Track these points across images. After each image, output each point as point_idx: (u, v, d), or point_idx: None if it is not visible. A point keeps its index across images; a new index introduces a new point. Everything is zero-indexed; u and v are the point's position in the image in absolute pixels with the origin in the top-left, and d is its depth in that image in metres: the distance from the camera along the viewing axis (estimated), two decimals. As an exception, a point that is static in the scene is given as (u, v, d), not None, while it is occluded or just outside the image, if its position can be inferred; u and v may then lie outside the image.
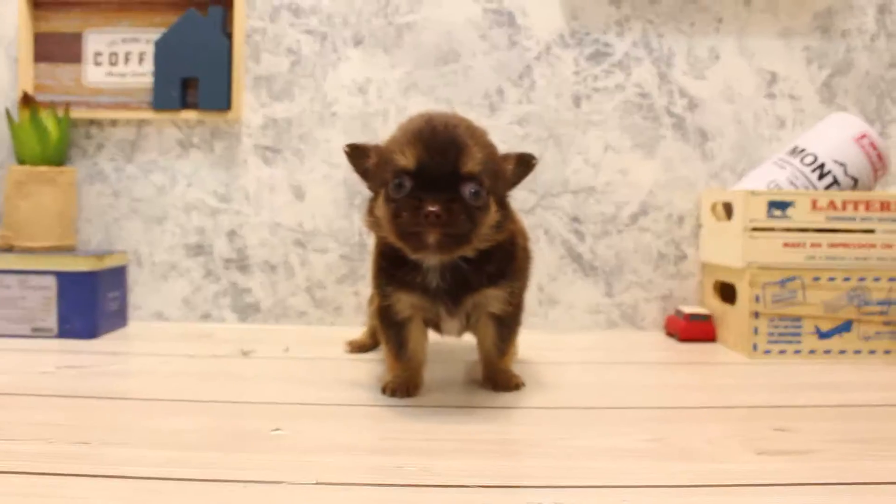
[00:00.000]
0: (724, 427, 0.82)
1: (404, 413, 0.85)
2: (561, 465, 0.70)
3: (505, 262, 0.90)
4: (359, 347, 1.17)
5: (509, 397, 0.93)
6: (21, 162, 1.29)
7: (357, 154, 0.88)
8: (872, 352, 1.19)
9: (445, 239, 0.79)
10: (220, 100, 1.33)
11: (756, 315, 1.18)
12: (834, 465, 0.71)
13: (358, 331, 1.23)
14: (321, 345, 1.22)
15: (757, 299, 1.18)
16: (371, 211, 0.87)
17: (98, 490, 0.61)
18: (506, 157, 0.87)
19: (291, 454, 0.71)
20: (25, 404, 0.86)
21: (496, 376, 0.96)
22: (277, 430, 0.77)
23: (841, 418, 0.87)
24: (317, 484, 0.63)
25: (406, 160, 0.79)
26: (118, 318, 1.32)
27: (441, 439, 0.76)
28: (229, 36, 1.33)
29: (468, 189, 0.80)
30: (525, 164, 0.88)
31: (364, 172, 0.89)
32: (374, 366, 1.09)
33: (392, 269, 0.89)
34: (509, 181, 0.88)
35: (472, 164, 0.80)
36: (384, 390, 0.92)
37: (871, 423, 0.85)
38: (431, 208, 0.77)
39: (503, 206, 0.86)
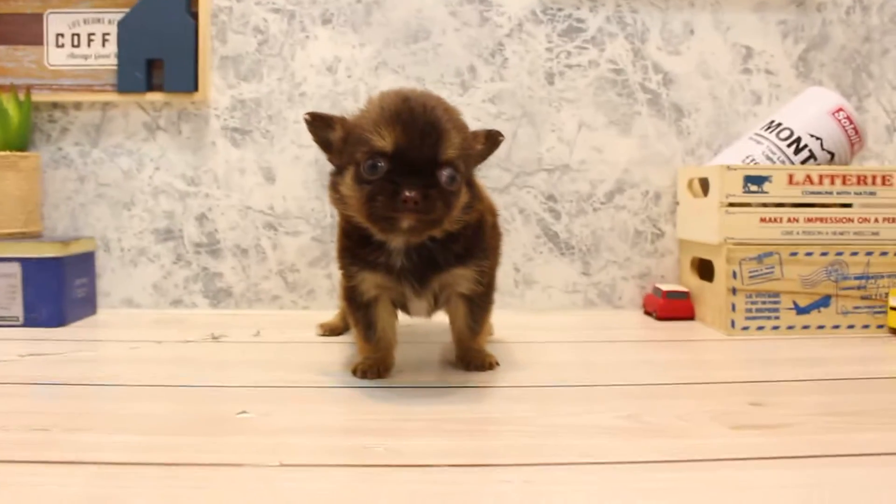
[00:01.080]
0: (699, 403, 0.81)
1: (374, 394, 0.84)
2: (531, 443, 0.68)
3: (473, 240, 0.88)
4: (331, 330, 1.15)
5: (483, 376, 0.91)
6: (-18, 147, 1.25)
7: (320, 123, 0.85)
8: (851, 326, 1.19)
9: (419, 224, 0.78)
10: (187, 81, 1.29)
11: (733, 291, 1.17)
12: (808, 438, 0.70)
13: (331, 314, 1.21)
14: (293, 328, 1.20)
15: (734, 275, 1.17)
16: (335, 187, 0.84)
17: (53, 476, 0.60)
18: (475, 135, 0.85)
19: (256, 436, 0.69)
20: (-15, 392, 0.84)
21: (469, 356, 0.95)
22: (244, 412, 0.76)
23: (817, 392, 0.86)
24: (280, 466, 0.61)
25: (383, 142, 0.77)
26: (87, 306, 1.29)
27: (410, 419, 0.74)
28: (195, 15, 1.30)
29: (445, 174, 0.78)
30: (493, 140, 0.87)
31: (325, 144, 0.85)
32: (345, 348, 1.07)
33: (356, 248, 0.87)
34: (477, 159, 0.86)
35: (452, 150, 0.78)
36: (354, 371, 0.90)
37: (848, 395, 0.84)
38: (409, 194, 0.75)
39: (471, 185, 0.85)
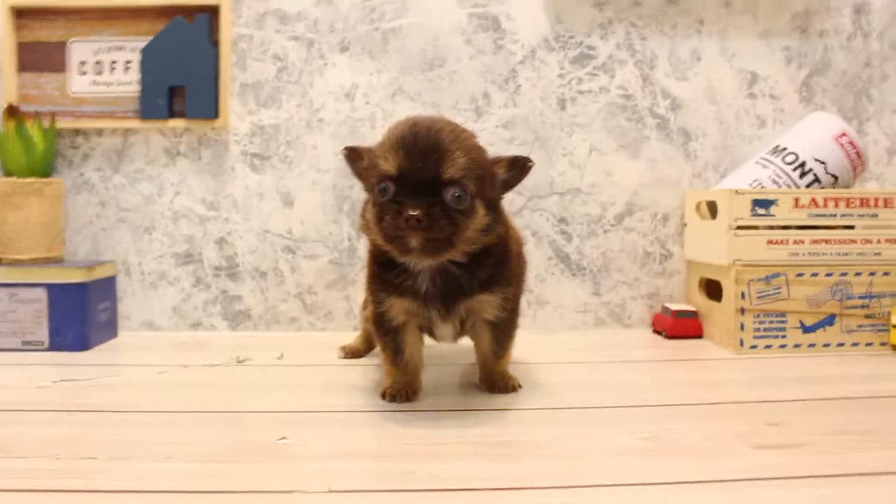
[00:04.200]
0: (719, 423, 0.84)
1: (406, 418, 0.86)
2: (565, 465, 0.71)
3: (497, 267, 0.90)
4: (352, 353, 1.18)
5: (507, 399, 0.94)
6: (7, 173, 1.28)
7: (353, 157, 0.89)
8: (855, 344, 1.22)
9: (428, 243, 0.80)
10: (208, 108, 1.33)
11: (742, 311, 1.21)
12: (828, 457, 0.73)
13: (349, 336, 1.24)
14: (314, 351, 1.22)
15: (742, 296, 1.21)
16: (363, 214, 0.89)
17: (112, 505, 0.62)
18: (497, 160, 0.87)
19: (300, 463, 0.72)
20: (27, 420, 0.86)
21: (493, 379, 0.97)
22: (284, 438, 0.78)
23: (830, 411, 0.89)
24: (330, 492, 0.64)
25: (388, 165, 0.80)
26: (109, 329, 1.31)
27: (445, 443, 0.77)
28: (216, 44, 1.33)
29: (450, 193, 0.80)
30: (520, 166, 0.88)
31: (360, 175, 0.89)
32: (368, 371, 1.09)
33: (384, 273, 0.90)
34: (501, 185, 0.88)
35: (454, 169, 0.80)
36: (384, 395, 0.93)
37: (860, 414, 0.87)
38: (412, 212, 0.78)
39: (494, 209, 0.87)
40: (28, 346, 1.21)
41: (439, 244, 0.81)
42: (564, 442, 0.78)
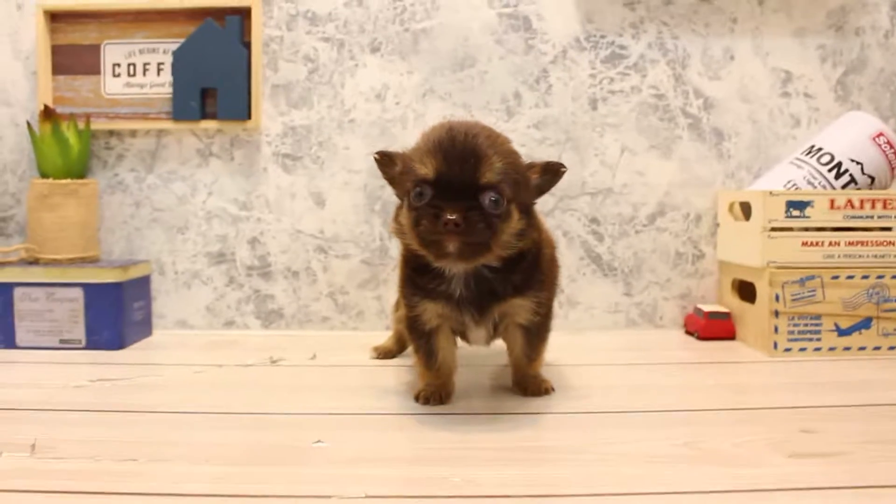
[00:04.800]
0: (752, 429, 0.83)
1: (440, 421, 0.87)
2: (599, 471, 0.71)
3: (531, 271, 0.90)
4: (385, 353, 1.19)
5: (540, 402, 0.94)
6: (44, 175, 1.30)
7: (385, 161, 0.89)
8: (892, 348, 1.20)
9: (465, 247, 0.80)
10: (240, 109, 1.34)
11: (776, 314, 1.20)
12: (865, 467, 0.72)
13: (381, 335, 1.24)
14: (347, 351, 1.23)
15: (777, 298, 1.19)
16: (396, 217, 0.89)
17: (152, 508, 0.63)
18: (531, 165, 0.88)
19: (337, 467, 0.72)
20: (66, 420, 0.87)
21: (526, 382, 0.98)
22: (319, 441, 0.79)
23: (867, 418, 0.88)
24: (367, 497, 0.65)
25: (426, 169, 0.81)
26: (143, 328, 1.33)
27: (479, 448, 0.77)
28: (247, 45, 1.34)
29: (487, 198, 0.80)
30: (553, 172, 0.88)
31: (391, 179, 0.90)
32: (401, 371, 1.10)
33: (417, 277, 0.90)
34: (535, 189, 0.88)
35: (491, 173, 0.80)
36: (417, 398, 0.93)
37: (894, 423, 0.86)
38: (450, 217, 0.78)
39: (528, 213, 0.87)
40: (65, 344, 1.23)
41: (476, 249, 0.81)
42: (597, 447, 0.78)
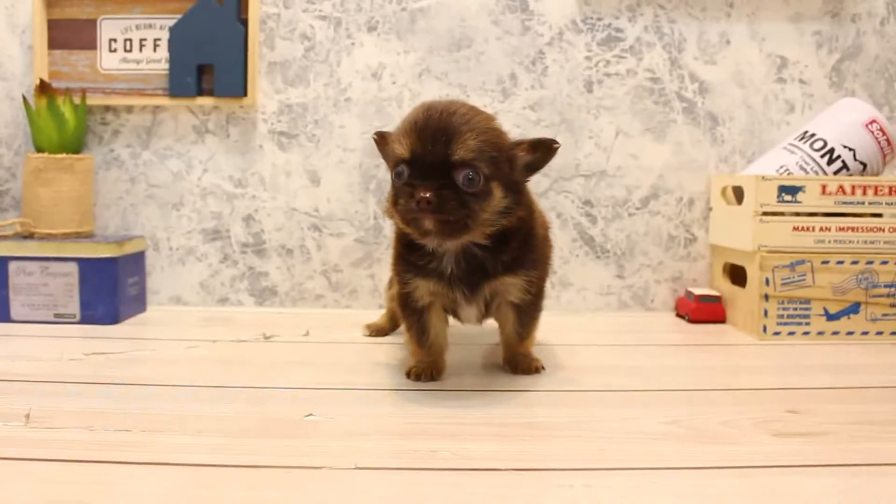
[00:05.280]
0: (739, 409, 0.85)
1: (430, 397, 0.88)
2: (586, 447, 0.72)
3: (522, 250, 0.91)
4: (377, 331, 1.20)
5: (530, 380, 0.95)
6: (39, 149, 1.30)
7: (381, 142, 0.91)
8: (880, 333, 1.22)
9: (441, 225, 0.81)
10: (236, 86, 1.34)
11: (766, 297, 1.21)
12: (849, 447, 0.73)
13: (374, 313, 1.25)
14: (340, 328, 1.24)
15: (767, 282, 1.21)
16: (388, 197, 0.89)
17: (144, 477, 0.64)
18: (518, 142, 0.87)
19: (327, 439, 0.73)
20: (60, 391, 0.88)
21: (516, 360, 0.99)
22: (311, 415, 0.80)
23: (852, 400, 0.89)
24: (356, 469, 0.66)
25: (402, 149, 0.82)
26: (138, 303, 1.34)
27: (469, 423, 0.79)
28: (244, 22, 1.34)
29: (462, 175, 0.81)
30: (545, 148, 0.88)
31: (386, 159, 0.91)
32: (393, 349, 1.11)
33: (409, 254, 0.91)
34: (525, 167, 0.88)
35: (464, 151, 0.80)
36: (409, 374, 0.94)
37: (882, 404, 0.87)
38: (422, 195, 0.79)
39: (516, 191, 0.87)
40: (60, 318, 1.24)
41: (453, 226, 0.82)
42: (586, 424, 0.79)
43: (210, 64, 1.34)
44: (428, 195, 0.79)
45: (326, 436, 0.74)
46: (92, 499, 0.59)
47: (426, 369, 0.94)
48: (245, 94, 1.34)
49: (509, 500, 0.60)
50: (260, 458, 0.68)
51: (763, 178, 1.21)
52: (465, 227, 0.82)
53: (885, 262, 1.21)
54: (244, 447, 0.71)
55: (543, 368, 0.99)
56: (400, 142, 0.82)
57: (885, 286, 1.21)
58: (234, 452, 0.69)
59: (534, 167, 0.89)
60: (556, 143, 0.88)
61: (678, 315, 1.39)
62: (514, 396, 0.89)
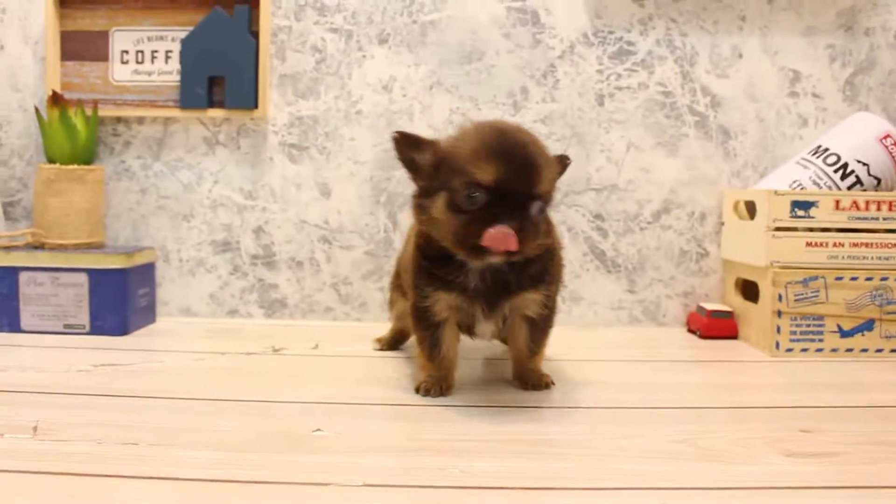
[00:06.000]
0: (751, 427, 0.84)
1: (439, 413, 0.87)
2: (596, 466, 0.72)
3: (545, 265, 0.91)
4: (388, 344, 1.19)
5: (540, 396, 0.94)
6: (51, 160, 1.30)
7: (408, 143, 0.87)
8: (894, 350, 1.20)
9: (507, 255, 0.81)
10: (247, 98, 1.34)
11: (779, 314, 1.19)
12: (862, 468, 0.72)
13: (384, 326, 1.25)
14: (349, 341, 1.23)
15: (780, 298, 1.19)
16: (424, 209, 0.86)
17: (150, 492, 0.63)
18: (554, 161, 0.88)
19: (335, 455, 0.73)
20: (69, 403, 0.88)
21: (526, 375, 0.98)
22: (318, 430, 0.79)
23: (866, 419, 0.88)
24: (363, 486, 0.65)
25: (483, 174, 0.79)
26: (148, 314, 1.34)
27: (477, 440, 0.78)
28: (255, 34, 1.34)
29: (535, 207, 0.82)
30: (563, 166, 0.91)
31: (410, 163, 0.88)
32: (402, 363, 1.10)
33: (434, 268, 0.90)
34: None
35: (546, 184, 0.82)
36: (418, 389, 0.94)
37: (894, 424, 0.86)
38: (509, 227, 0.78)
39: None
40: (70, 329, 1.24)
41: (514, 255, 0.82)
42: (595, 442, 0.78)
43: (221, 76, 1.34)
44: (513, 226, 0.78)
45: (334, 451, 0.74)
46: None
47: (435, 384, 0.93)
48: (256, 106, 1.34)
49: (518, 521, 0.60)
50: (266, 474, 0.67)
51: (776, 192, 1.20)
52: (521, 256, 0.83)
53: (899, 279, 1.20)
54: (250, 462, 0.70)
55: (553, 384, 0.98)
56: (479, 165, 0.80)
57: (900, 303, 1.20)
58: (239, 467, 0.69)
59: None
60: (569, 159, 0.91)
61: (690, 330, 1.37)
62: (522, 412, 0.88)
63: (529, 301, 0.92)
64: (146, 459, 0.70)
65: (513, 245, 0.78)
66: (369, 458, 0.72)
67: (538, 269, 0.90)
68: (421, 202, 0.87)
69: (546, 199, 0.83)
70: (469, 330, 0.97)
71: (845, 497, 0.65)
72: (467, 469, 0.69)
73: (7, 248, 1.26)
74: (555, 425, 0.84)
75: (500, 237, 0.79)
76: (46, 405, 0.87)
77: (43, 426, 0.78)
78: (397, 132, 0.88)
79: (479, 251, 0.81)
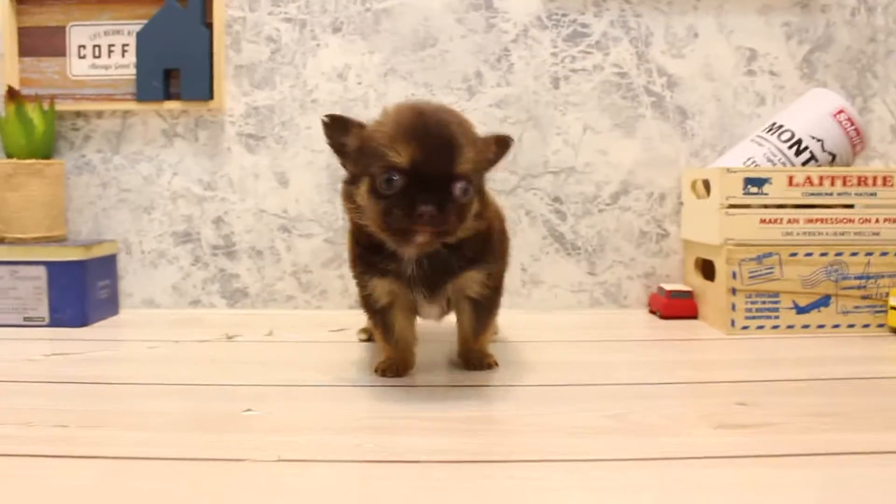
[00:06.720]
0: (687, 402, 0.84)
1: (376, 392, 0.88)
2: (517, 441, 0.72)
3: (482, 245, 0.90)
4: (372, 334, 1.17)
5: (484, 376, 0.95)
6: (9, 155, 1.31)
7: (336, 126, 0.86)
8: (851, 325, 1.20)
9: (433, 237, 0.80)
10: (203, 90, 1.34)
11: (733, 291, 1.19)
12: (788, 437, 0.72)
13: (344, 314, 1.26)
14: (306, 328, 1.24)
15: (734, 276, 1.19)
16: (350, 197, 0.85)
17: (72, 470, 0.64)
18: (486, 142, 0.86)
19: (259, 434, 0.73)
20: (11, 390, 0.89)
21: (470, 355, 0.98)
22: (249, 410, 0.80)
23: (806, 392, 0.88)
24: (278, 461, 0.65)
25: (400, 157, 0.77)
26: (109, 306, 1.35)
27: (403, 417, 0.78)
28: (209, 26, 1.35)
29: (458, 187, 0.79)
30: (503, 145, 0.88)
31: (340, 148, 0.86)
32: (356, 347, 1.11)
33: (369, 256, 0.89)
34: (488, 166, 0.88)
35: (466, 164, 0.79)
36: (376, 370, 0.94)
37: (836, 396, 0.86)
38: (425, 209, 0.76)
39: (480, 192, 0.86)
40: (29, 322, 1.25)
41: (441, 236, 0.81)
42: (523, 419, 0.79)
43: (177, 68, 1.35)
44: (430, 209, 0.77)
45: (258, 430, 0.74)
46: (18, 490, 0.60)
47: (392, 365, 0.94)
48: (212, 98, 1.35)
49: (423, 491, 0.60)
50: (185, 451, 0.68)
51: (728, 170, 1.20)
52: (449, 236, 0.82)
53: (855, 254, 1.20)
54: (174, 441, 0.71)
55: (497, 365, 0.98)
56: (395, 148, 0.78)
57: (856, 278, 1.20)
58: (161, 446, 0.70)
59: (493, 164, 0.89)
60: (511, 139, 0.89)
61: (651, 311, 1.37)
62: (459, 391, 0.88)
63: (471, 281, 0.91)
64: (73, 440, 0.71)
65: (427, 225, 0.77)
66: (290, 436, 0.72)
67: (476, 248, 0.89)
68: (348, 189, 0.85)
69: (469, 178, 0.80)
70: (416, 312, 0.97)
71: (763, 465, 0.66)
72: (383, 444, 0.70)
73: (-34, 244, 1.27)
74: (489, 403, 0.84)
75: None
76: (-14, 393, 0.88)
77: (-23, 413, 0.79)
78: (327, 115, 0.86)
79: (403, 236, 0.80)
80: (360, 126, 0.85)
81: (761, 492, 0.60)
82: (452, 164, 0.79)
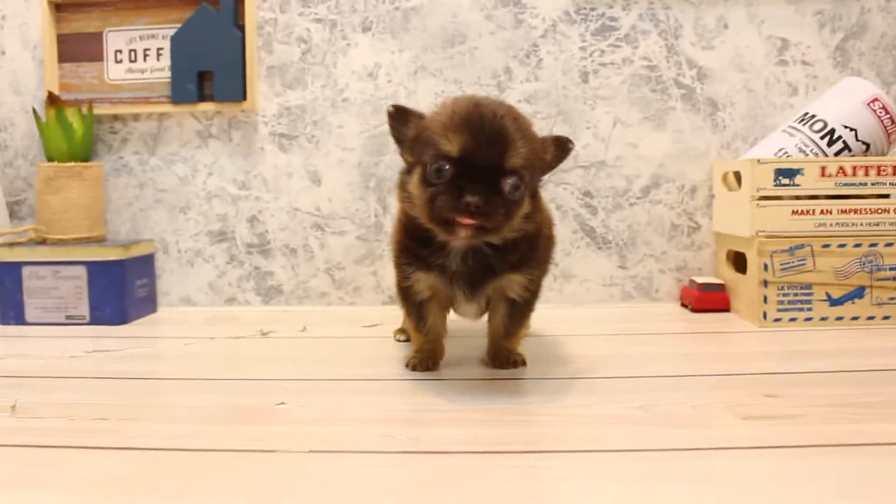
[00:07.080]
0: (715, 394, 0.84)
1: (408, 387, 0.89)
2: (545, 432, 0.73)
3: (528, 250, 0.89)
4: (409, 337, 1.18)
5: (515, 371, 0.95)
6: (49, 159, 1.35)
7: (399, 117, 0.86)
8: (886, 317, 1.19)
9: (478, 230, 0.79)
10: (236, 91, 1.37)
11: (765, 283, 1.19)
12: (815, 429, 0.72)
13: (377, 310, 1.28)
14: (340, 324, 1.26)
15: (765, 268, 1.19)
16: (404, 186, 0.85)
17: (112, 460, 0.67)
18: (543, 143, 0.85)
19: (291, 426, 0.75)
20: (53, 386, 0.92)
21: (498, 353, 0.97)
22: (282, 404, 0.82)
23: (835, 384, 0.87)
24: (309, 452, 0.67)
25: (450, 146, 0.78)
26: (148, 305, 1.38)
27: (433, 410, 0.80)
28: (241, 28, 1.37)
29: (508, 183, 0.78)
30: (562, 148, 0.87)
31: (399, 138, 0.87)
32: (392, 345, 1.11)
33: (416, 247, 0.89)
34: (546, 169, 0.87)
35: (517, 159, 0.78)
36: (407, 365, 0.95)
37: (865, 388, 0.86)
38: (471, 199, 0.76)
39: (534, 196, 0.86)
40: (71, 320, 1.28)
41: (487, 232, 0.81)
42: (549, 410, 0.79)
43: (210, 70, 1.38)
44: (476, 199, 0.76)
45: (291, 423, 0.76)
46: (61, 480, 0.62)
47: (423, 360, 0.95)
48: (244, 99, 1.37)
49: (453, 480, 0.61)
50: (219, 443, 0.70)
51: (759, 161, 1.19)
52: (496, 233, 0.82)
53: (889, 244, 1.18)
54: (206, 434, 0.73)
55: (525, 363, 0.97)
56: (447, 137, 0.78)
57: (891, 269, 1.18)
58: (195, 438, 0.72)
59: (551, 168, 0.88)
60: (571, 142, 0.88)
61: (682, 305, 1.37)
62: (492, 385, 0.89)
63: (514, 283, 0.91)
64: (112, 433, 0.74)
65: (473, 217, 0.77)
66: (322, 428, 0.74)
67: (522, 252, 0.88)
68: (403, 179, 0.86)
69: (521, 175, 0.79)
70: (454, 309, 0.97)
71: (790, 456, 0.66)
72: (414, 436, 0.71)
73: (11, 245, 1.31)
74: (517, 396, 0.85)
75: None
76: (31, 387, 0.91)
77: (22, 406, 0.82)
78: (392, 105, 0.87)
79: (448, 227, 0.80)
80: (420, 116, 0.86)
81: (787, 482, 0.60)
82: (503, 157, 0.78)
